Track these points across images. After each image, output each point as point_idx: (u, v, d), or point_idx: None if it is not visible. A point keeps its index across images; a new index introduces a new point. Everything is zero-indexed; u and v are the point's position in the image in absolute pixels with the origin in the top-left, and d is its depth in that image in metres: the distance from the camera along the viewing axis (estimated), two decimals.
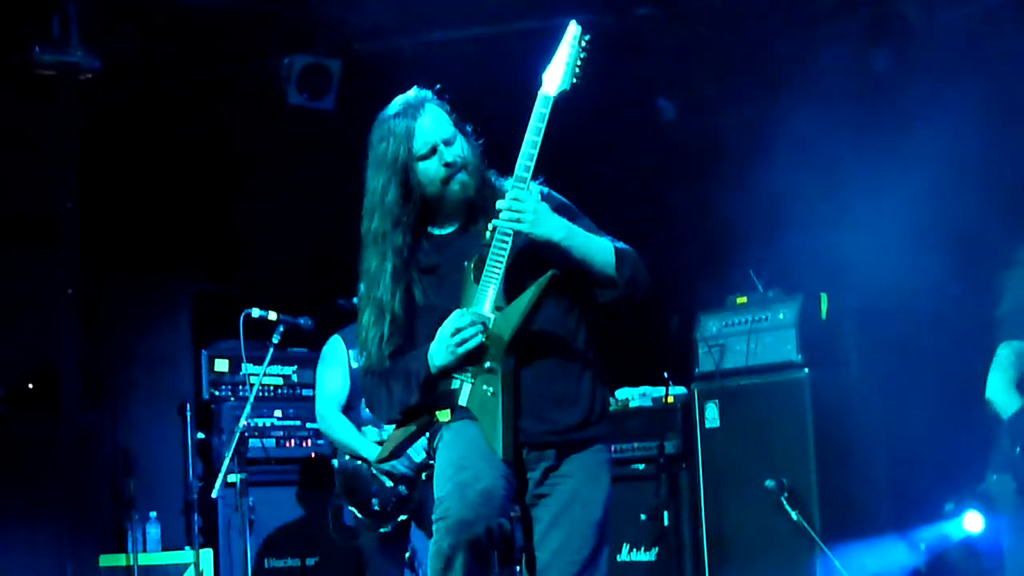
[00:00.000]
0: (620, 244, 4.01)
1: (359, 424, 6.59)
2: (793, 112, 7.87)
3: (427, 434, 4.13)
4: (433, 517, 3.80)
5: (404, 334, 3.99)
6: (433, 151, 3.93)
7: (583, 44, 3.94)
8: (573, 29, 3.96)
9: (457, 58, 8.55)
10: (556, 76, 3.91)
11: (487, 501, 3.72)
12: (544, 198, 3.92)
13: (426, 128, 3.93)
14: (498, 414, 3.80)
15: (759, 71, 8.32)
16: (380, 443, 6.37)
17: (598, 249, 3.93)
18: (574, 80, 3.92)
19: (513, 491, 3.85)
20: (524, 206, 3.80)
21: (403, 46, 8.70)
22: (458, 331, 3.82)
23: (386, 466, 6.43)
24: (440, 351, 3.85)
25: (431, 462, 4.47)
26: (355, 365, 6.54)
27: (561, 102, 3.91)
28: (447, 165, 3.93)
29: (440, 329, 3.86)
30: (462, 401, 3.88)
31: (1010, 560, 5.88)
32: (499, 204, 3.82)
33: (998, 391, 5.76)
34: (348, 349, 6.69)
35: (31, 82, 7.97)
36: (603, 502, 3.98)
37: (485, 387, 3.85)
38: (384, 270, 3.96)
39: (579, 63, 3.93)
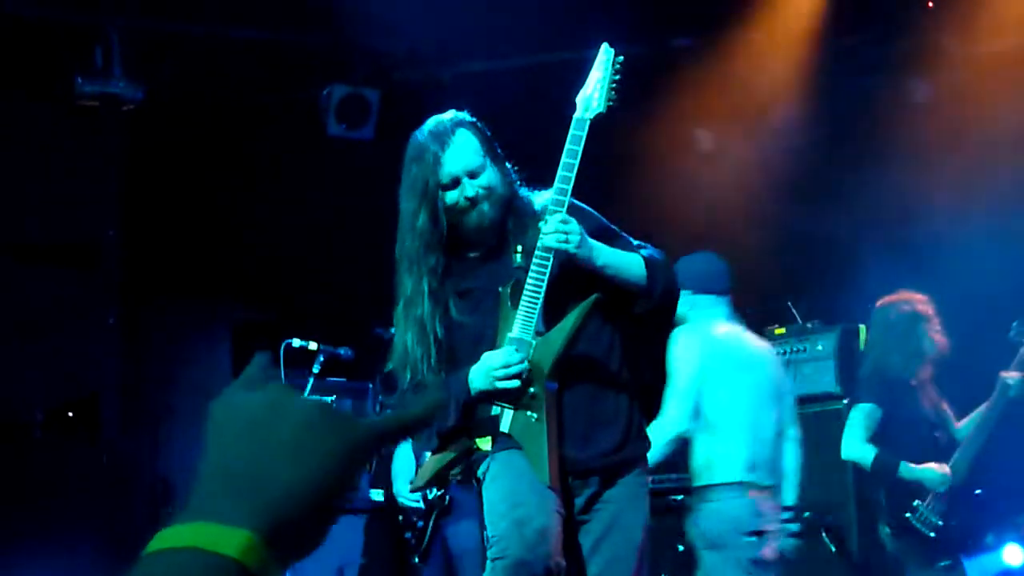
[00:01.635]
0: (646, 251, 3.99)
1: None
2: (835, 145, 7.87)
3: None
4: (489, 555, 3.78)
5: (448, 357, 3.97)
6: (456, 183, 3.92)
7: (616, 66, 3.92)
8: (605, 51, 3.94)
9: (496, 88, 8.58)
10: (591, 99, 3.90)
11: (544, 540, 3.70)
12: (573, 210, 3.91)
13: (452, 159, 3.91)
14: (543, 440, 3.77)
15: (797, 102, 8.32)
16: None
17: (631, 266, 3.91)
18: (610, 103, 3.90)
19: (563, 524, 3.83)
20: (571, 227, 3.78)
21: (442, 76, 8.74)
22: (507, 366, 3.80)
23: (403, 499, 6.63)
24: (481, 377, 3.83)
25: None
26: None
27: (598, 126, 3.89)
28: (468, 199, 3.91)
29: (488, 356, 3.83)
30: (504, 428, 3.84)
31: None
32: (544, 228, 3.80)
33: (853, 448, 6.24)
34: None
35: (74, 111, 8.05)
36: (643, 526, 3.97)
37: (528, 413, 3.81)
38: (421, 291, 3.95)
39: (613, 85, 3.90)
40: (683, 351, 5.67)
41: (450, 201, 3.92)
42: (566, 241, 3.76)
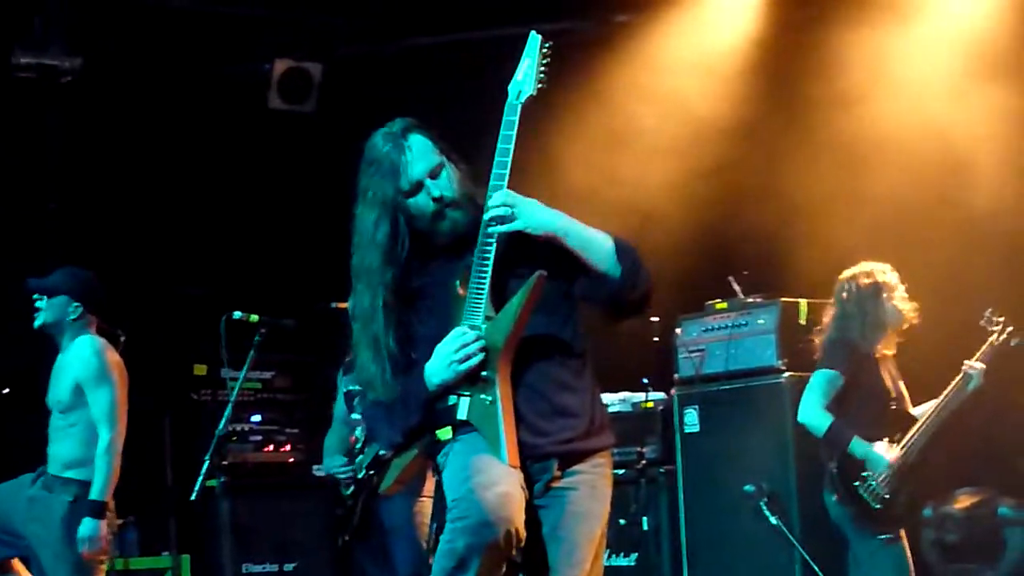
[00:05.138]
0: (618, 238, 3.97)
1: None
2: (777, 118, 7.92)
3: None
4: (448, 518, 3.75)
5: (404, 367, 3.95)
6: (420, 187, 3.89)
7: (544, 51, 3.97)
8: (532, 38, 4.00)
9: (438, 63, 8.56)
10: (521, 83, 3.94)
11: (507, 504, 3.66)
12: None
13: (411, 162, 3.88)
14: (498, 420, 3.76)
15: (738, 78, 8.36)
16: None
17: (595, 238, 3.88)
18: (540, 85, 3.94)
19: (524, 502, 3.80)
20: (514, 200, 3.78)
21: (385, 51, 8.71)
22: (463, 347, 3.79)
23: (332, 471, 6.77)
24: (440, 368, 3.80)
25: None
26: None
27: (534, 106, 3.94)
28: (435, 200, 3.89)
29: (439, 346, 3.81)
30: (461, 415, 3.82)
31: None
32: (488, 203, 3.79)
33: (810, 413, 6.39)
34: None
35: (12, 83, 7.97)
36: (602, 516, 3.94)
37: (483, 396, 3.79)
38: (376, 307, 3.91)
39: (542, 69, 3.95)
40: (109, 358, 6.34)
41: (420, 207, 3.89)
42: (512, 218, 3.75)
